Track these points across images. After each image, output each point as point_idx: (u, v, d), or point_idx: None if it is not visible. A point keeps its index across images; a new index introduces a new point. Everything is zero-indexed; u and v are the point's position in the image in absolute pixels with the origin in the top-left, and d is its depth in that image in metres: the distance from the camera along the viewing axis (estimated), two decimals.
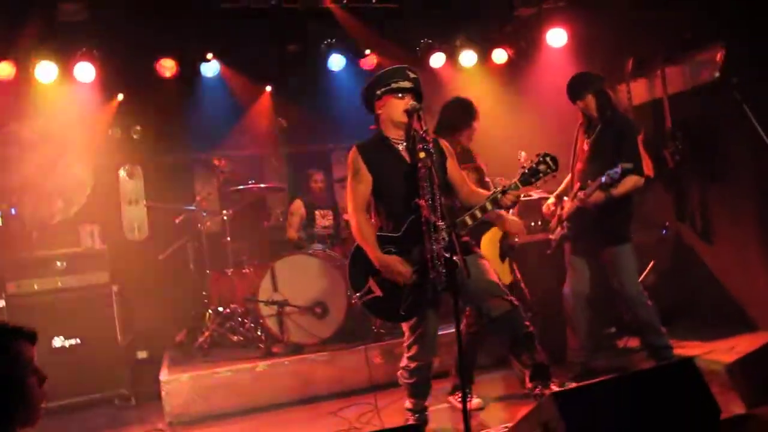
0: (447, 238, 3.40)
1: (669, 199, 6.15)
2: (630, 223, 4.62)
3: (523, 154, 4.66)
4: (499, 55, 7.35)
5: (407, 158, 3.66)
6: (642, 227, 5.74)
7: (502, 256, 4.34)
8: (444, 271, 3.37)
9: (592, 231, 4.54)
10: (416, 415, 3.92)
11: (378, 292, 3.62)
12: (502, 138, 6.08)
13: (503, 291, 3.69)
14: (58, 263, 5.69)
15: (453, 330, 4.97)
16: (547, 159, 3.53)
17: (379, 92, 3.68)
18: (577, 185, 4.58)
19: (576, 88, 4.53)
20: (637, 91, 6.32)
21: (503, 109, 7.09)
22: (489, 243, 4.27)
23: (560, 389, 3.15)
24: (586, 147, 4.57)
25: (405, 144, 3.69)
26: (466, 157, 4.42)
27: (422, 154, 3.45)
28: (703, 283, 5.73)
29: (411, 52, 7.21)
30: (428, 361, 3.82)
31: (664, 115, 5.86)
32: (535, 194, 5.83)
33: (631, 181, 4.31)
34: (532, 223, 5.64)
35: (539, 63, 7.09)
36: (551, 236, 4.90)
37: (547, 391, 3.46)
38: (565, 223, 4.73)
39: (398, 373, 3.96)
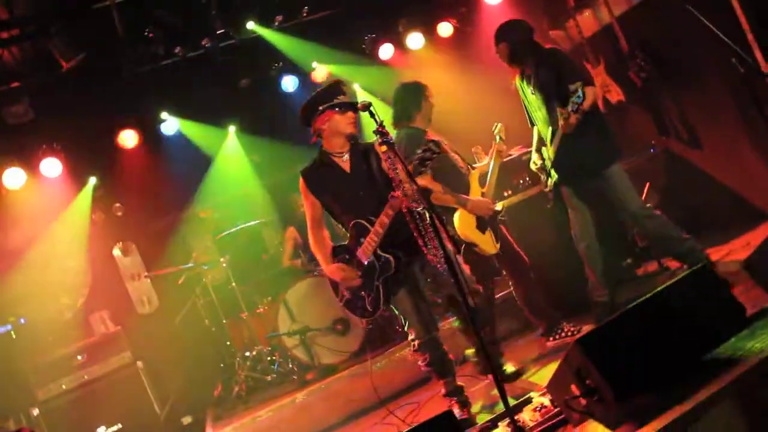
0: (429, 221, 3.39)
1: (648, 118, 6.09)
2: (613, 141, 4.63)
3: (499, 125, 4.65)
4: (445, 29, 7.31)
5: (348, 168, 3.86)
6: (629, 152, 5.70)
7: (482, 227, 4.29)
8: (442, 253, 3.38)
9: (580, 168, 4.53)
10: (455, 398, 3.92)
11: (348, 295, 3.87)
12: (465, 110, 6.05)
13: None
14: (79, 357, 5.75)
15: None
16: (430, 145, 3.57)
17: (321, 108, 3.79)
18: (549, 130, 4.57)
19: (498, 35, 4.62)
20: (585, 24, 6.28)
21: (461, 81, 7.05)
22: (464, 217, 4.24)
23: (583, 335, 3.10)
24: (534, 95, 4.57)
25: (347, 154, 3.86)
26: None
27: (383, 147, 3.46)
28: (704, 189, 5.65)
29: (358, 51, 7.18)
30: (431, 335, 3.89)
31: (618, 38, 5.82)
32: (515, 152, 5.79)
33: (591, 91, 4.38)
34: (521, 181, 5.58)
35: (483, 25, 7.04)
36: (545, 189, 4.86)
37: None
38: (552, 171, 4.70)
39: (418, 363, 4.00)
